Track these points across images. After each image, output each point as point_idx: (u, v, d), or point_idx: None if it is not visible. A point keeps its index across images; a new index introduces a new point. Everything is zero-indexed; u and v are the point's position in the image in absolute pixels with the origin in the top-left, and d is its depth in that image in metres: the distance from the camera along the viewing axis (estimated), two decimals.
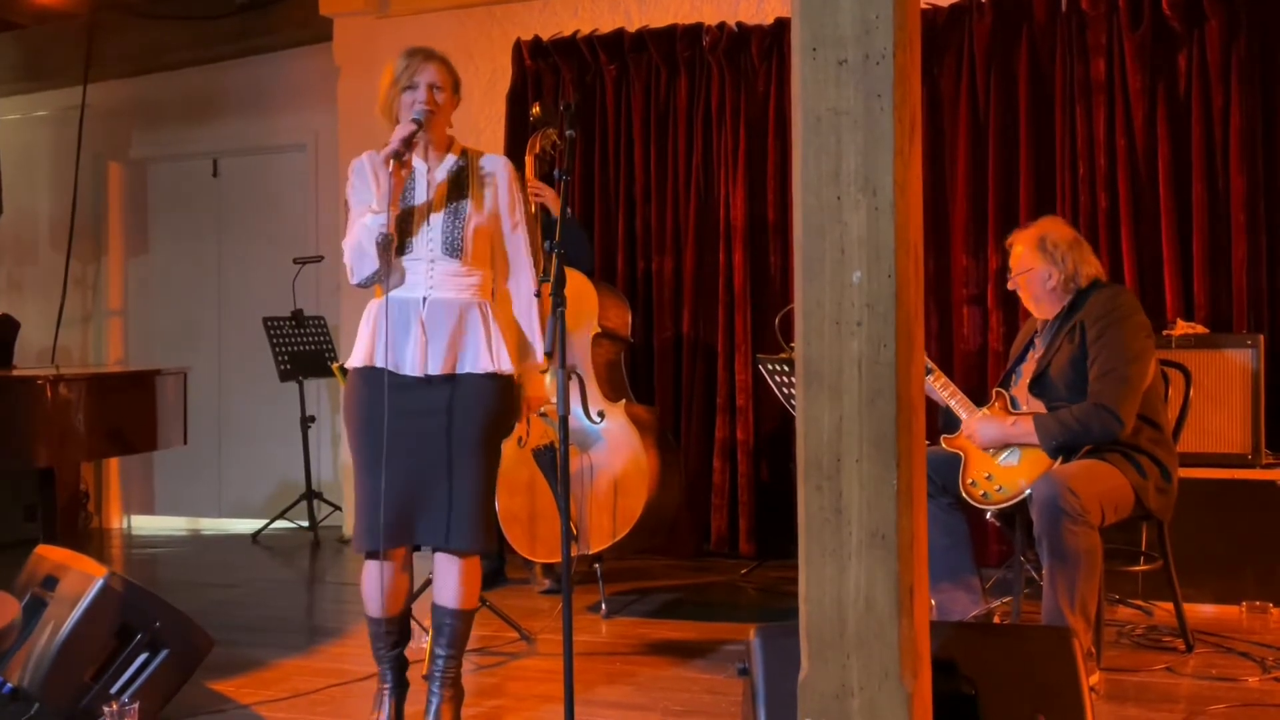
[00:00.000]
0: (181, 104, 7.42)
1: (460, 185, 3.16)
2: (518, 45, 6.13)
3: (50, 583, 3.35)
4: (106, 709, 2.85)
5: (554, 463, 4.54)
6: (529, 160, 4.92)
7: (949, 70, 5.41)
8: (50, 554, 3.54)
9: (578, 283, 4.66)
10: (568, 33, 6.04)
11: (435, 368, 3.07)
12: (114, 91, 7.41)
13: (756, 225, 5.73)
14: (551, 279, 3.07)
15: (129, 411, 4.73)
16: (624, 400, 4.73)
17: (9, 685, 3.19)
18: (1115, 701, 3.42)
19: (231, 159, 7.46)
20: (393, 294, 3.09)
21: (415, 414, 3.06)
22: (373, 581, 3.14)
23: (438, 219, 3.11)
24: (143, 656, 3.20)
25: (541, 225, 4.85)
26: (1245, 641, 3.98)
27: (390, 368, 3.06)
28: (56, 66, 7.32)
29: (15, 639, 3.22)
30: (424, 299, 3.09)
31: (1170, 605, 3.95)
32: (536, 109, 4.97)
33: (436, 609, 3.21)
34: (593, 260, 5.18)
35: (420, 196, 3.13)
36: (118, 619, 3.18)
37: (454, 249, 3.10)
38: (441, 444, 3.08)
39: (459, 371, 3.10)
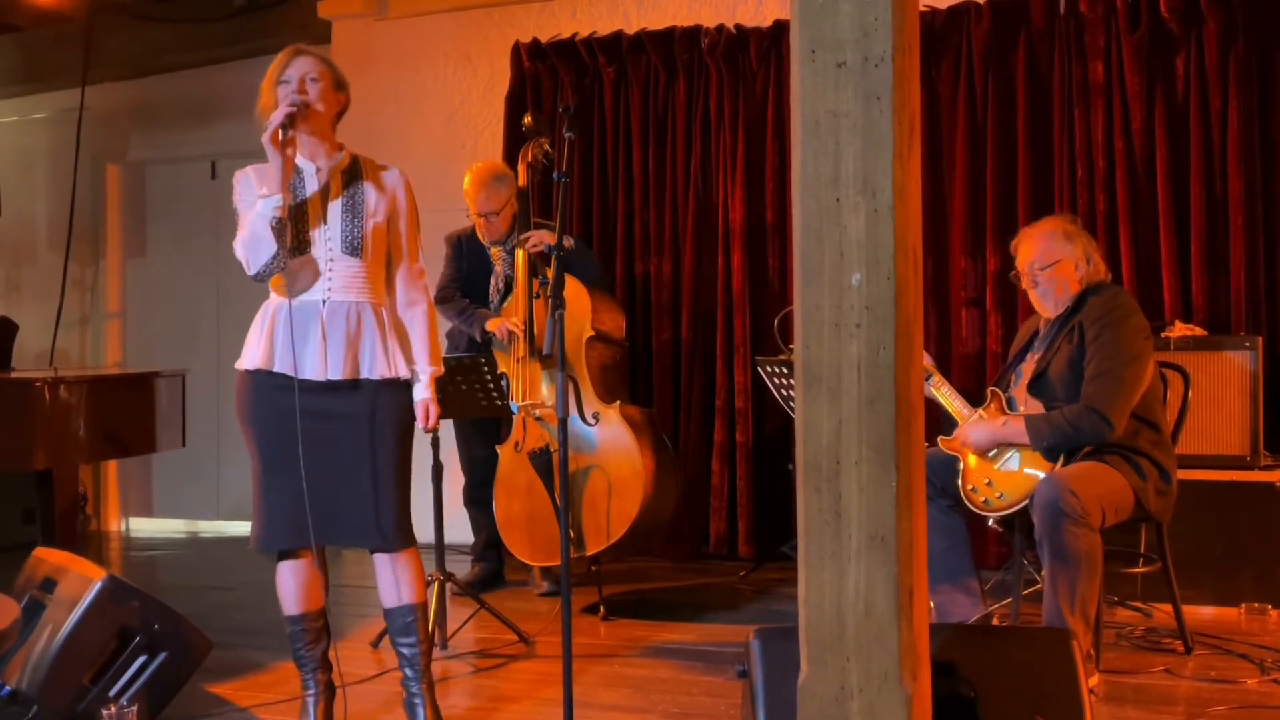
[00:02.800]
0: (180, 106, 7.41)
1: (355, 184, 3.16)
2: (516, 48, 6.12)
3: (49, 585, 3.35)
4: (105, 712, 2.84)
5: (549, 466, 4.54)
6: (521, 168, 4.92)
7: (947, 73, 5.41)
8: (49, 556, 3.54)
9: (571, 287, 4.64)
10: (566, 35, 6.04)
11: (336, 372, 3.07)
12: (112, 94, 7.39)
13: (755, 228, 5.73)
14: (550, 282, 3.10)
15: (127, 414, 4.72)
16: (618, 402, 4.73)
17: (7, 688, 3.19)
18: (1114, 703, 3.42)
19: (230, 161, 7.43)
20: (293, 298, 3.09)
21: (317, 418, 3.05)
22: (287, 579, 3.18)
23: (335, 217, 3.11)
24: (141, 659, 3.20)
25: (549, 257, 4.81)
26: (1244, 643, 3.98)
27: (289, 371, 3.06)
28: (55, 69, 7.30)
29: (14, 641, 3.22)
30: (324, 301, 3.09)
31: (1169, 607, 3.95)
32: (528, 119, 4.97)
33: (388, 613, 3.22)
34: (595, 280, 5.06)
35: (311, 193, 3.12)
36: (116, 621, 3.18)
37: (354, 248, 3.10)
38: (348, 449, 3.09)
39: (361, 377, 3.10)
